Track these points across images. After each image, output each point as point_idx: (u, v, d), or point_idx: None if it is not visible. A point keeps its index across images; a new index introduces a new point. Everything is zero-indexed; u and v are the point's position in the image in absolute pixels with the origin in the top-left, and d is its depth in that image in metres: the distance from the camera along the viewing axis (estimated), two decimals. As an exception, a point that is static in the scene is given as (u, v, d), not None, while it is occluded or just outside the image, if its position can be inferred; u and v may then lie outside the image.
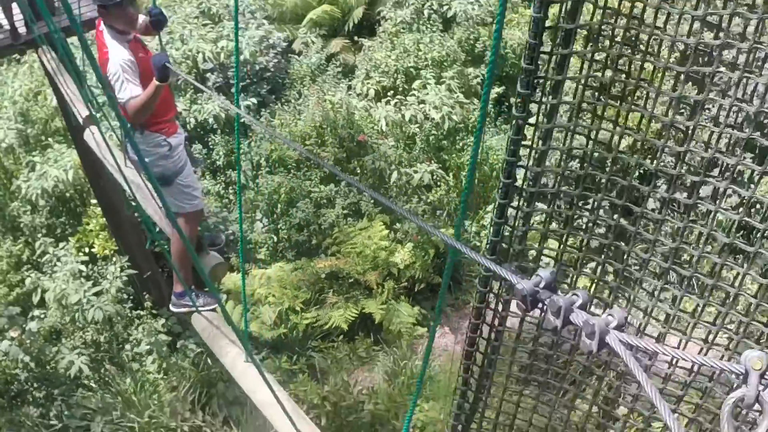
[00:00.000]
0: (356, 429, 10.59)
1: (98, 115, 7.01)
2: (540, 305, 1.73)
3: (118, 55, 4.83)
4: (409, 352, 11.97)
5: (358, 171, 13.13)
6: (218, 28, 15.26)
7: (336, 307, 11.90)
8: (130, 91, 4.77)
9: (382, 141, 13.28)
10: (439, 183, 13.41)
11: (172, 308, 5.84)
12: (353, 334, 12.18)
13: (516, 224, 3.74)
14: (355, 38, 16.63)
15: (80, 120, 7.96)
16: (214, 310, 5.64)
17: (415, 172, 12.90)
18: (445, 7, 16.08)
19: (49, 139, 14.28)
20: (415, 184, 12.92)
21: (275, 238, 12.81)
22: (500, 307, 3.94)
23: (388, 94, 14.18)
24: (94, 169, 11.02)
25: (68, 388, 11.51)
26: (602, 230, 3.76)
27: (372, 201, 12.85)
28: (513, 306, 3.92)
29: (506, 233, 3.74)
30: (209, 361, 11.91)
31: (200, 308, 5.63)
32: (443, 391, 11.52)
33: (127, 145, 5.31)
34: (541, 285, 1.73)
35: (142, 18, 5.29)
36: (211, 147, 13.81)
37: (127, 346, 11.88)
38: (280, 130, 13.50)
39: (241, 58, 14.22)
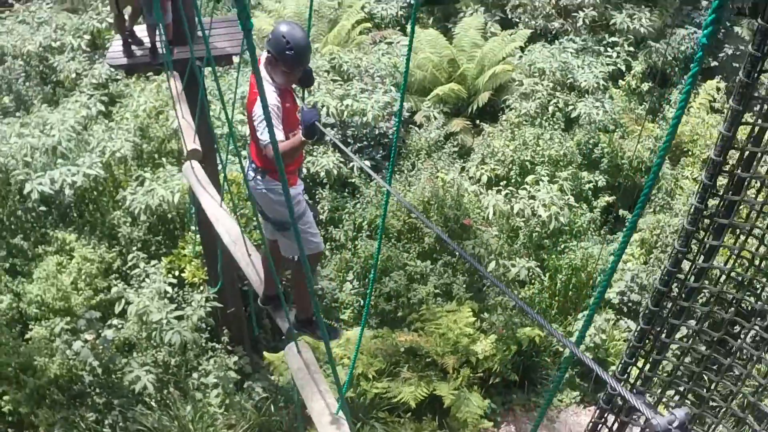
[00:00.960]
0: None
1: (224, 148, 7.09)
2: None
3: (268, 98, 4.89)
4: (471, 443, 11.79)
5: (457, 254, 13.07)
6: (346, 86, 15.53)
7: (408, 383, 11.79)
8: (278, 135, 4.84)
9: (486, 228, 13.26)
10: (533, 281, 13.28)
11: (295, 330, 5.82)
12: (419, 414, 12.03)
13: (651, 350, 3.66)
14: (477, 121, 16.73)
15: (185, 151, 8.10)
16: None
17: (513, 265, 12.82)
18: (570, 107, 16.10)
19: (163, 158, 14.63)
20: (511, 277, 12.81)
21: (361, 302, 12.82)
22: (615, 426, 3.83)
23: (501, 183, 14.21)
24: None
25: (128, 402, 11.62)
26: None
27: (464, 286, 12.79)
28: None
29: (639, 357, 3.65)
30: (272, 408, 11.91)
31: (323, 337, 5.68)
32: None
33: (251, 182, 5.33)
34: (675, 424, 1.70)
35: None
36: (318, 200, 13.96)
37: (195, 375, 11.94)
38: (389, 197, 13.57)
39: (364, 119, 14.42)
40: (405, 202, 3.58)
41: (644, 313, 3.47)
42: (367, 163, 14.26)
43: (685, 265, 3.75)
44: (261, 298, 6.07)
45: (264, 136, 4.82)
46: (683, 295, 3.74)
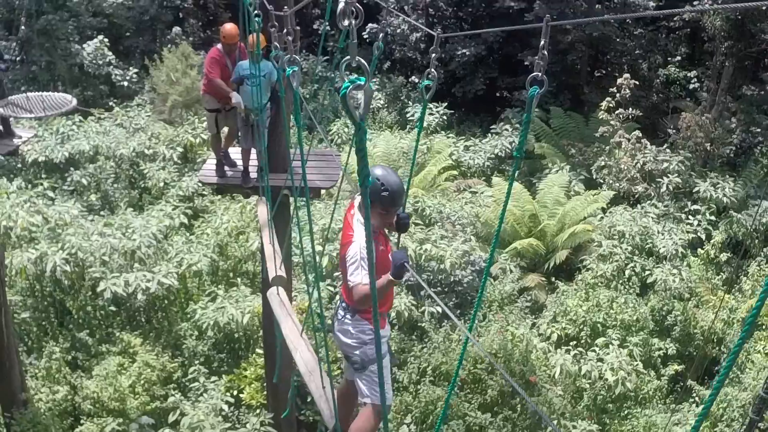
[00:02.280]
0: None
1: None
2: None
3: (361, 241, 4.89)
4: None
5: (518, 409, 12.81)
6: (427, 231, 15.68)
7: None
8: (362, 277, 4.80)
9: (551, 387, 13.00)
10: (596, 446, 12.92)
11: None
12: None
13: None
14: (553, 278, 16.67)
15: (269, 276, 8.14)
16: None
17: (574, 427, 12.49)
18: (647, 272, 15.96)
19: (238, 278, 14.83)
20: (569, 441, 12.47)
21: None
22: None
23: (570, 342, 14.00)
24: (273, 325, 11.23)
25: None
26: None
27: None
28: None
29: None
30: None
31: None
32: None
33: (339, 320, 5.28)
34: None
35: None
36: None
37: None
38: (456, 345, 13.47)
39: (441, 266, 14.45)
40: (482, 350, 3.54)
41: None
42: (439, 309, 14.20)
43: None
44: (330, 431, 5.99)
45: (354, 277, 4.83)
46: None
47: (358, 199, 5.21)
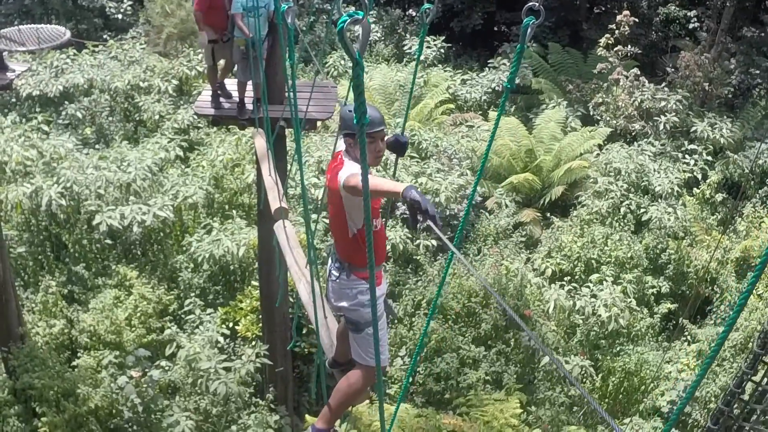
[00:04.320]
0: None
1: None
2: None
3: (353, 167, 4.65)
4: None
5: (512, 343, 12.94)
6: (423, 164, 15.64)
7: (446, 468, 11.57)
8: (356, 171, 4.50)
9: (544, 322, 13.11)
10: (585, 380, 13.05)
11: None
12: (456, 499, 11.81)
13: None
14: (548, 214, 16.68)
15: (271, 210, 8.14)
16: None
17: (567, 362, 12.62)
18: (642, 210, 16.00)
19: (233, 210, 14.83)
20: (562, 374, 12.61)
21: (410, 380, 12.69)
22: None
23: (564, 278, 14.07)
24: (268, 257, 11.29)
25: (164, 444, 11.60)
26: None
27: (515, 376, 12.61)
28: None
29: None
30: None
31: None
32: None
33: (335, 281, 5.06)
34: None
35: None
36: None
37: (234, 428, 11.88)
38: (451, 279, 13.53)
39: (436, 199, 14.44)
40: (474, 271, 3.44)
41: (713, 413, 3.35)
42: (434, 242, 14.25)
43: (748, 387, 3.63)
44: (329, 360, 5.97)
45: (346, 172, 4.54)
46: (744, 416, 3.63)
47: (341, 145, 5.04)
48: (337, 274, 5.01)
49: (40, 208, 13.96)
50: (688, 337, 14.82)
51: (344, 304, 5.02)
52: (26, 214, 14.54)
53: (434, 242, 14.26)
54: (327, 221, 13.55)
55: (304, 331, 12.51)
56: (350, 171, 4.51)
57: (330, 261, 5.16)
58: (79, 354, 12.54)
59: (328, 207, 5.14)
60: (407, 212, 3.91)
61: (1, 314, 11.72)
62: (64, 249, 14.68)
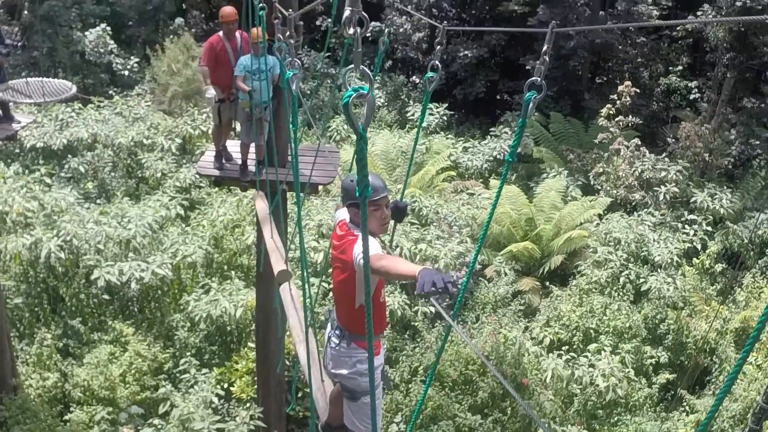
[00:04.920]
0: None
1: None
2: None
3: (371, 243, 4.41)
4: None
5: (508, 411, 12.82)
6: (423, 230, 15.65)
7: None
8: (374, 249, 4.34)
9: (542, 391, 13.02)
10: (582, 452, 12.94)
11: None
12: None
13: None
14: (547, 283, 16.65)
15: (275, 271, 8.13)
16: None
17: (564, 431, 12.50)
18: (642, 280, 15.97)
19: (232, 271, 14.81)
20: (559, 446, 12.49)
21: (407, 447, 12.57)
22: None
23: (563, 347, 14.01)
24: (266, 319, 11.25)
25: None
26: None
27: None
28: None
29: None
30: None
31: None
32: None
33: (334, 348, 4.99)
34: None
35: None
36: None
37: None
38: (448, 346, 13.46)
39: (435, 266, 14.42)
40: (470, 342, 3.31)
41: None
42: (432, 309, 14.19)
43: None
44: (322, 424, 5.90)
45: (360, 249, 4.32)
46: None
47: (341, 215, 5.04)
48: (337, 341, 4.95)
49: (38, 260, 13.92)
50: (687, 408, 14.68)
51: (342, 371, 4.96)
52: (25, 266, 14.52)
53: (432, 309, 14.21)
54: (327, 286, 13.61)
55: (299, 395, 12.39)
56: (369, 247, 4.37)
57: (329, 327, 5.10)
58: (71, 408, 12.42)
59: (333, 273, 5.04)
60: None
61: (-4, 363, 11.66)
62: (61, 302, 14.62)
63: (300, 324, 7.02)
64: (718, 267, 17.56)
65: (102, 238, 14.29)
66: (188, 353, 13.43)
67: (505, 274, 16.06)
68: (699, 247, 17.81)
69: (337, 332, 4.98)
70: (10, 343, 12.14)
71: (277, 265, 8.10)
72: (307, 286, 6.10)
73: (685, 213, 18.55)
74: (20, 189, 15.20)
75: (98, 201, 17.23)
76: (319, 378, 6.06)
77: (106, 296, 14.51)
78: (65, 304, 14.58)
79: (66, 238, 13.94)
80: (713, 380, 15.45)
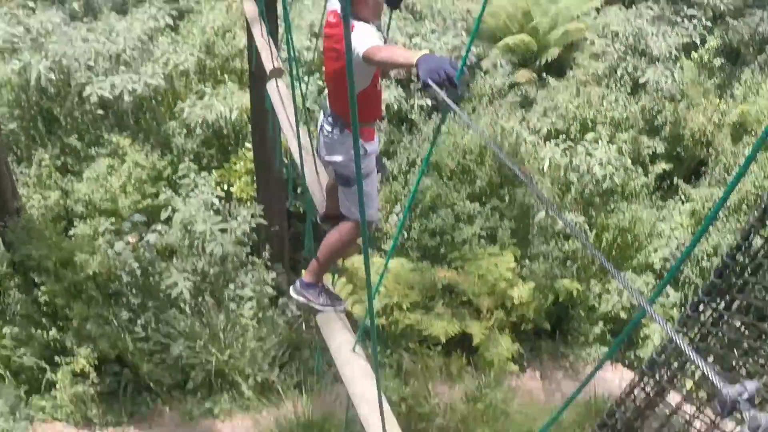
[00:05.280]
0: (423, 437, 10.43)
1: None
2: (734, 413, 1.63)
3: (365, 26, 4.38)
4: (494, 383, 11.74)
5: (506, 199, 12.95)
6: (417, 25, 15.33)
7: (440, 318, 11.75)
8: (372, 40, 4.20)
9: (539, 179, 13.09)
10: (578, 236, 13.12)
11: (292, 293, 5.42)
12: (448, 349, 12.03)
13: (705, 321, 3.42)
14: (543, 74, 16.44)
15: (266, 70, 8.04)
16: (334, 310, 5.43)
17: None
18: (639, 73, 15.77)
19: (225, 75, 14.66)
20: (557, 229, 12.66)
21: (406, 235, 12.76)
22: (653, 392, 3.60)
23: (560, 136, 13.95)
24: (261, 119, 11.20)
25: (163, 305, 11.79)
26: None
27: (509, 231, 12.66)
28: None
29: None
30: (303, 326, 11.95)
31: (320, 306, 5.41)
32: (515, 431, 11.28)
33: (327, 135, 4.91)
34: (744, 396, 1.64)
35: None
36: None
37: (231, 286, 12.05)
38: (445, 137, 13.46)
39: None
40: (473, 125, 3.18)
41: (706, 284, 3.24)
42: (429, 102, 14.12)
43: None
44: (320, 215, 5.93)
45: (361, 41, 4.18)
46: (749, 270, 3.53)
47: (333, 4, 4.74)
48: (330, 129, 4.89)
49: (29, 84, 13.74)
50: (682, 197, 14.84)
51: (336, 158, 4.92)
52: (16, 91, 14.34)
53: (429, 102, 14.14)
54: (321, 83, 13.50)
55: (298, 191, 12.53)
56: (367, 38, 4.20)
57: (322, 115, 5.02)
58: (75, 223, 12.55)
59: (325, 63, 4.90)
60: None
61: (-4, 189, 11.69)
62: (55, 122, 14.54)
63: (290, 121, 6.98)
64: (717, 62, 17.33)
65: (91, 55, 14.09)
66: (186, 158, 13.46)
67: (501, 66, 15.85)
68: (698, 41, 17.50)
69: (329, 119, 4.90)
70: (9, 168, 12.12)
71: (268, 63, 8.01)
72: (298, 83, 5.97)
73: (685, 7, 18.08)
74: (3, 15, 14.84)
75: (85, 19, 16.82)
76: (314, 171, 6.04)
77: (100, 111, 14.40)
78: (60, 123, 14.50)
79: (55, 58, 13.72)
80: (709, 171, 15.56)
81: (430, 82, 3.34)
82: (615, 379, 12.37)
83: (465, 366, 11.96)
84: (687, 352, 1.84)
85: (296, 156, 6.37)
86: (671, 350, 3.31)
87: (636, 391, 3.67)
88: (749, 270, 3.41)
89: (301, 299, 5.34)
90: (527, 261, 12.65)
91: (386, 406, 4.08)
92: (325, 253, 5.27)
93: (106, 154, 13.77)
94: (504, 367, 11.77)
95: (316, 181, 6.15)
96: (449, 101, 3.06)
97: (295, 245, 13.14)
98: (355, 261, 12.14)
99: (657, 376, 3.55)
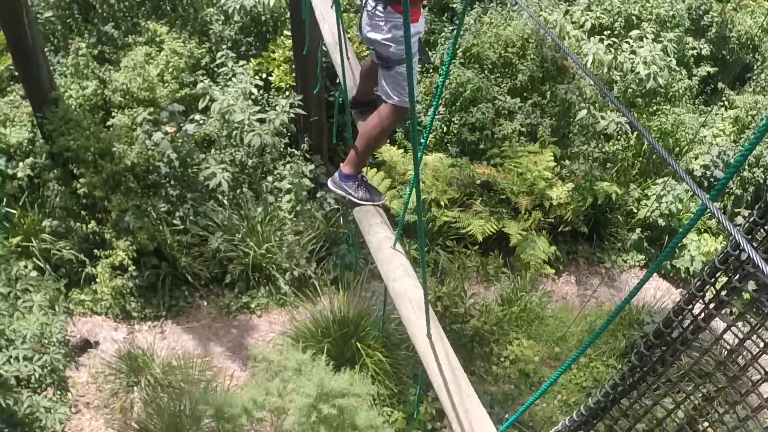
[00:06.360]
0: (456, 338, 10.52)
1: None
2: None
3: None
4: (530, 286, 11.80)
5: (548, 95, 12.75)
6: None
7: (478, 216, 11.75)
8: None
9: (582, 76, 12.84)
10: (620, 137, 12.96)
11: (330, 185, 5.36)
12: (485, 248, 12.04)
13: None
14: (590, -33, 15.96)
15: None
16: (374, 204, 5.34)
17: (603, 117, 12.47)
18: (687, -30, 15.31)
19: (264, -37, 14.34)
20: (599, 129, 12.49)
21: (445, 129, 12.64)
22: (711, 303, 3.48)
23: (604, 32, 13.63)
24: (299, 5, 10.96)
25: (201, 197, 11.82)
26: None
27: (550, 129, 12.51)
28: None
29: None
30: (341, 220, 11.98)
31: (359, 200, 5.31)
32: (548, 336, 11.37)
33: (370, 12, 4.78)
34: None
35: None
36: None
37: (270, 178, 12.04)
38: (487, 28, 13.18)
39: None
40: (526, 8, 3.00)
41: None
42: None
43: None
44: (351, 100, 5.78)
45: None
46: None
47: None
48: (374, 4, 4.72)
49: (65, -30, 13.54)
50: (726, 103, 14.58)
51: (377, 36, 4.77)
52: (51, -23, 14.15)
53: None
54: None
55: (337, 80, 12.39)
56: None
57: None
58: (113, 113, 12.48)
59: None
60: None
61: (33, 80, 11.54)
62: (92, 10, 14.34)
63: (321, 2, 6.77)
64: (768, -37, 16.80)
65: (127, -60, 13.81)
66: (224, 46, 13.26)
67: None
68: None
69: None
70: (46, 58, 11.97)
71: None
72: None
73: None
74: None
75: None
76: (345, 56, 5.87)
77: (137, -2, 14.23)
78: (96, 11, 14.30)
79: (91, -58, 13.47)
80: (754, 78, 15.23)
81: None
82: (650, 288, 12.43)
83: (501, 267, 12.00)
84: (754, 257, 1.77)
85: (328, 40, 6.26)
86: (732, 260, 3.18)
87: (694, 302, 3.58)
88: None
89: (340, 192, 5.28)
90: (567, 161, 12.53)
91: (427, 305, 4.08)
92: (364, 141, 5.19)
93: (144, 42, 13.60)
94: (540, 269, 11.80)
95: (348, 66, 6.01)
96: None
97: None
98: (394, 154, 12.08)
99: (716, 288, 3.45)
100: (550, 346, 11.28)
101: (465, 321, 10.90)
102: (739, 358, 3.58)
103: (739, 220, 12.26)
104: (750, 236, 3.37)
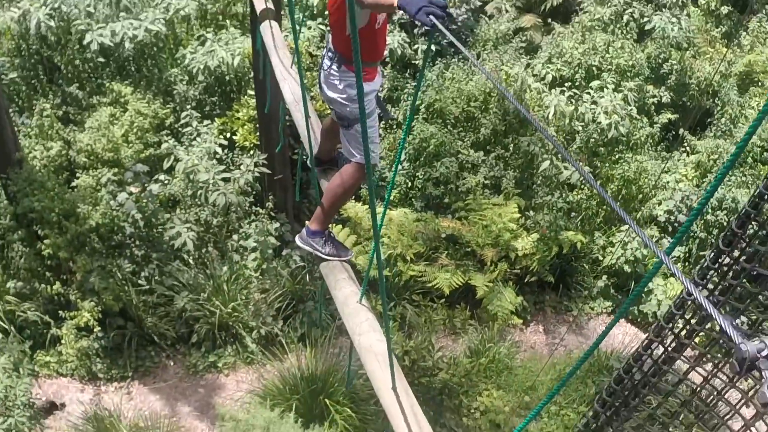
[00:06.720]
0: (424, 391, 10.49)
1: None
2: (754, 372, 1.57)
3: None
4: (498, 337, 11.81)
5: (511, 148, 12.86)
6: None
7: (444, 270, 11.77)
8: None
9: (544, 127, 12.95)
10: (583, 186, 13.07)
11: (298, 241, 5.32)
12: (452, 301, 12.06)
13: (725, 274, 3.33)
14: (549, 20, 16.23)
15: (256, 11, 7.91)
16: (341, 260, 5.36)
17: (566, 167, 12.59)
18: (645, 19, 15.55)
19: (227, 20, 14.46)
20: (562, 179, 12.60)
21: (410, 184, 12.70)
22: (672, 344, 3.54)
23: (565, 84, 13.81)
24: (262, 62, 11.05)
25: (167, 256, 11.80)
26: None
27: (513, 181, 12.61)
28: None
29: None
30: (307, 277, 11.96)
31: (326, 256, 5.34)
32: (517, 386, 11.35)
33: (325, 71, 4.82)
34: (764, 353, 1.57)
35: None
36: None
37: (235, 237, 12.06)
38: (449, 84, 13.32)
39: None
40: (480, 68, 3.09)
41: (725, 234, 3.14)
42: (433, 47, 13.94)
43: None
44: (312, 158, 5.81)
45: None
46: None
47: None
48: (329, 63, 4.79)
49: (29, 32, 13.58)
50: (688, 148, 14.75)
51: (333, 95, 4.83)
52: (16, 40, 14.16)
53: (433, 47, 13.97)
54: (324, 27, 13.33)
55: (300, 138, 12.45)
56: None
57: (324, 51, 4.93)
58: (77, 174, 12.47)
59: (328, 1, 4.82)
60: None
61: (-2, 141, 11.59)
62: (56, 71, 14.39)
63: (282, 62, 6.84)
64: (724, 9, 17.14)
65: (91, 1, 13.87)
66: (188, 106, 13.31)
67: (506, 11, 15.64)
68: (705, -11, 17.29)
69: (329, 54, 4.81)
70: (10, 118, 12.00)
71: (259, 3, 7.85)
72: (295, 26, 5.85)
73: (692, -46, 17.84)
74: (0, -35, 14.61)
75: (83, -33, 16.56)
76: (306, 114, 5.90)
77: (101, 59, 14.24)
78: (61, 72, 14.35)
79: (54, 5, 13.53)
80: (715, 122, 15.45)
81: (433, 19, 3.34)
82: (618, 334, 12.46)
83: (468, 319, 12.01)
84: (705, 305, 1.80)
85: (288, 99, 6.31)
86: (689, 305, 3.24)
87: (653, 347, 3.62)
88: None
89: (308, 248, 5.24)
90: (531, 211, 12.62)
91: (395, 360, 4.06)
92: (329, 199, 5.18)
93: (108, 103, 13.63)
94: (507, 320, 11.83)
95: (309, 125, 6.05)
96: (453, 38, 3.00)
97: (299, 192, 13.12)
98: (359, 210, 12.11)
99: (675, 331, 3.50)
100: (520, 396, 11.24)
101: (433, 374, 10.87)
102: (704, 394, 3.60)
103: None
104: (705, 280, 3.41)
